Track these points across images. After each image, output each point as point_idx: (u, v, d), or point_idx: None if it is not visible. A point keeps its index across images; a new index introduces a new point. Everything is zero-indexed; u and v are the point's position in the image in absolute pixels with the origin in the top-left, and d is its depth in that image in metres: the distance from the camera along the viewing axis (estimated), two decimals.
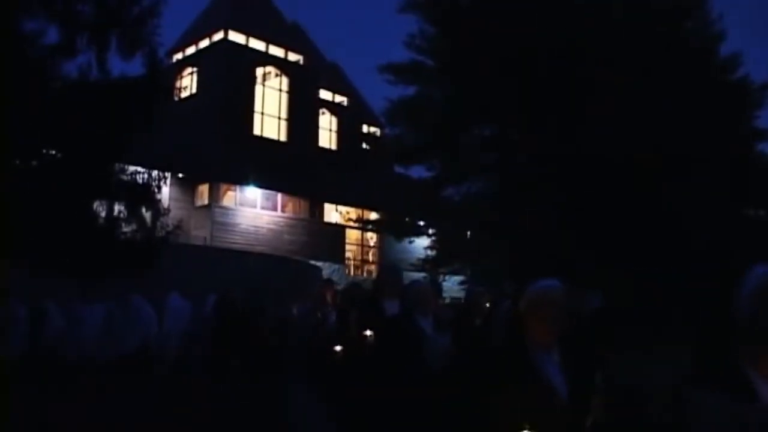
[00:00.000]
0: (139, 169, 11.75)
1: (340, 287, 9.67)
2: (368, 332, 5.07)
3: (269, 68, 29.77)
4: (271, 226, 27.23)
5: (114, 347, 10.01)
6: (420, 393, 4.12)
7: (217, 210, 26.00)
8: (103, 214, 11.23)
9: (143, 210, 11.65)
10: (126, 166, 11.46)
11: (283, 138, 29.61)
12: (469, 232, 19.21)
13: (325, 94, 32.71)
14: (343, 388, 5.29)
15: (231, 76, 28.08)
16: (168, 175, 13.37)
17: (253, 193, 27.15)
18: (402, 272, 5.56)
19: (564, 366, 2.63)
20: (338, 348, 5.62)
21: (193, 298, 11.29)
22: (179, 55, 30.62)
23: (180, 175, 25.03)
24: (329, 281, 9.33)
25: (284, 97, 29.99)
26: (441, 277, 18.74)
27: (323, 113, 32.46)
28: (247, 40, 29.43)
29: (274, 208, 27.95)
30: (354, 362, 5.23)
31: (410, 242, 21.43)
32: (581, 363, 2.70)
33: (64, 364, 9.61)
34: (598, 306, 5.64)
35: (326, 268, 25.98)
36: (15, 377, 8.52)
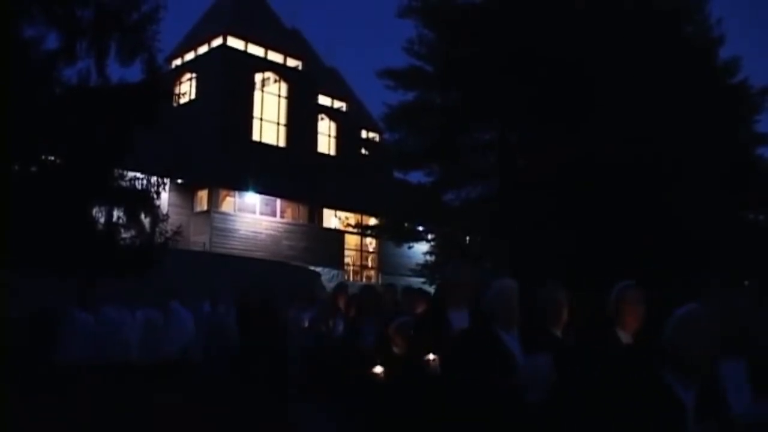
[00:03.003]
0: (138, 174, 11.74)
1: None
2: (431, 356, 3.89)
3: (268, 74, 29.77)
4: (270, 232, 27.18)
5: (154, 352, 10.12)
6: None
7: (216, 216, 25.95)
8: (102, 220, 11.21)
9: (142, 216, 11.64)
10: (125, 172, 11.47)
11: (282, 143, 29.59)
12: (468, 237, 19.17)
13: (324, 100, 32.71)
14: (391, 420, 4.21)
15: (230, 82, 28.07)
16: (167, 180, 13.31)
17: (252, 198, 27.11)
18: (477, 273, 4.36)
19: None
20: (379, 369, 4.43)
21: (192, 304, 11.27)
22: (178, 61, 30.62)
23: (179, 181, 24.97)
24: (342, 286, 8.52)
25: (283, 102, 29.98)
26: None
27: (322, 119, 32.44)
28: (246, 46, 29.44)
29: (273, 214, 27.90)
30: (405, 389, 4.13)
31: (409, 247, 21.40)
32: None
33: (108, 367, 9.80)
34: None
35: (325, 274, 25.94)
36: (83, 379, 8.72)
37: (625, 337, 3.60)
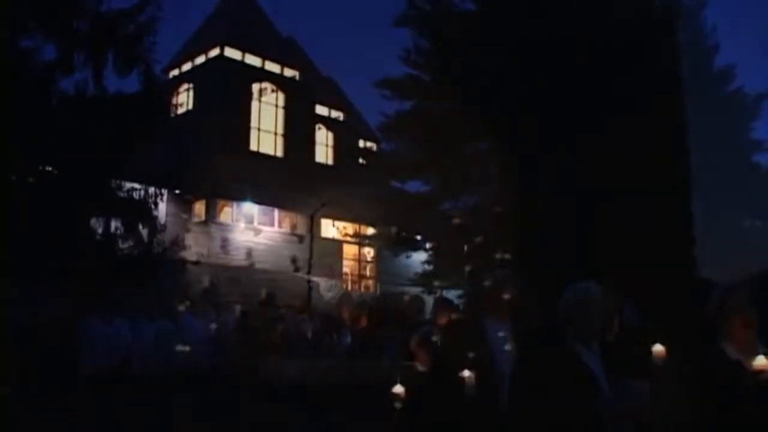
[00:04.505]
0: (136, 185, 11.74)
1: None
2: (467, 373, 3.41)
3: (265, 84, 29.81)
4: (268, 242, 27.15)
5: (167, 362, 10.16)
6: None
7: (214, 226, 25.92)
8: (99, 231, 11.21)
9: (140, 226, 11.64)
10: (123, 183, 11.47)
11: (279, 153, 29.59)
12: (467, 246, 19.15)
13: (321, 110, 32.74)
14: None
15: (227, 92, 28.11)
16: (164, 191, 13.33)
17: (249, 208, 27.10)
18: (518, 279, 3.78)
19: None
20: (399, 389, 3.54)
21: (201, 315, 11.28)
22: (175, 72, 30.65)
23: (176, 192, 24.94)
24: (347, 296, 8.27)
25: (280, 112, 30.01)
26: (438, 291, 18.68)
27: (319, 128, 32.47)
28: (243, 56, 29.49)
29: (271, 224, 27.89)
30: (433, 411, 3.47)
31: (408, 257, 21.39)
32: None
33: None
34: (635, 322, 4.11)
35: (323, 283, 25.89)
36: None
37: (733, 353, 2.87)
